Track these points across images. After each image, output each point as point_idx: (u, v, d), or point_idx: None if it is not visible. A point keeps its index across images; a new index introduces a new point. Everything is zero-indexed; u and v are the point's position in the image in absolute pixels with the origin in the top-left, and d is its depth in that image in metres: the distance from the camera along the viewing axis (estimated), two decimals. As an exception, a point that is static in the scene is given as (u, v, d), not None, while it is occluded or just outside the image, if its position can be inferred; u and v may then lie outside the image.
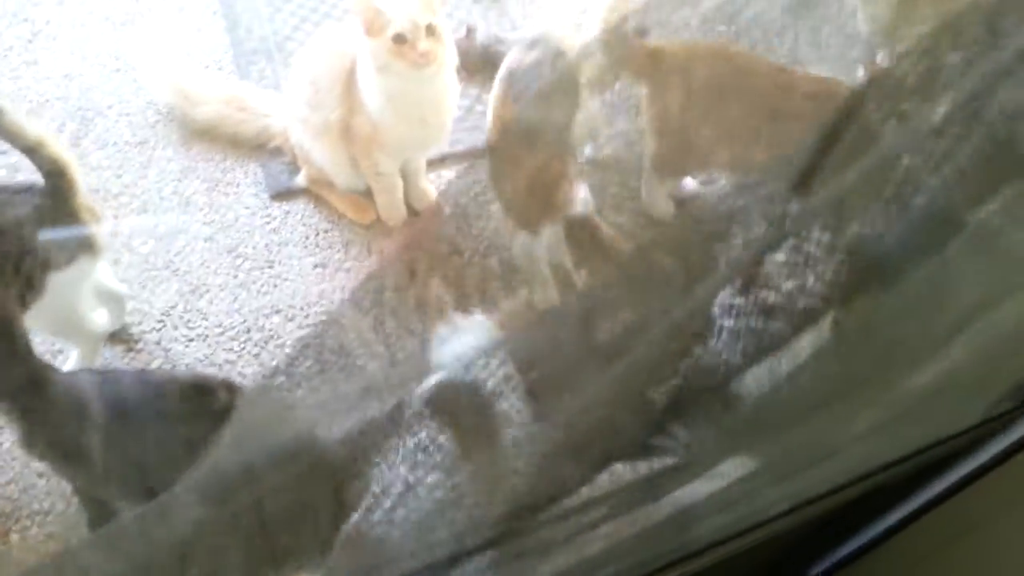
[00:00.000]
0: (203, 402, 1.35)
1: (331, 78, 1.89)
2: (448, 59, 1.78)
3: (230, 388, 1.37)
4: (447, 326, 1.02)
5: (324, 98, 1.90)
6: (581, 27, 1.82)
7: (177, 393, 1.39)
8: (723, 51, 1.73)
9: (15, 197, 1.49)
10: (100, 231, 1.58)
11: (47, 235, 1.47)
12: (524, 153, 1.42)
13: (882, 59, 2.06)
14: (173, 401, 1.37)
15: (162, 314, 1.86)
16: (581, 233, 1.81)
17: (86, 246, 1.57)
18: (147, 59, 2.19)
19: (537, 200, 1.56)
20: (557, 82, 1.55)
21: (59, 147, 1.50)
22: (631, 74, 1.81)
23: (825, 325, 0.96)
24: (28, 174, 1.55)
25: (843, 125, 1.35)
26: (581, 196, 1.80)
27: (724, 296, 0.93)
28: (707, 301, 0.97)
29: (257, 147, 2.13)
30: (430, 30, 1.68)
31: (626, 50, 1.73)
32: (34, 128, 1.48)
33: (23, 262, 1.45)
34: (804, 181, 1.20)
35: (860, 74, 1.63)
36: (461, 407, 1.00)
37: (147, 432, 1.34)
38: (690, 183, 2.07)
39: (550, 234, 1.65)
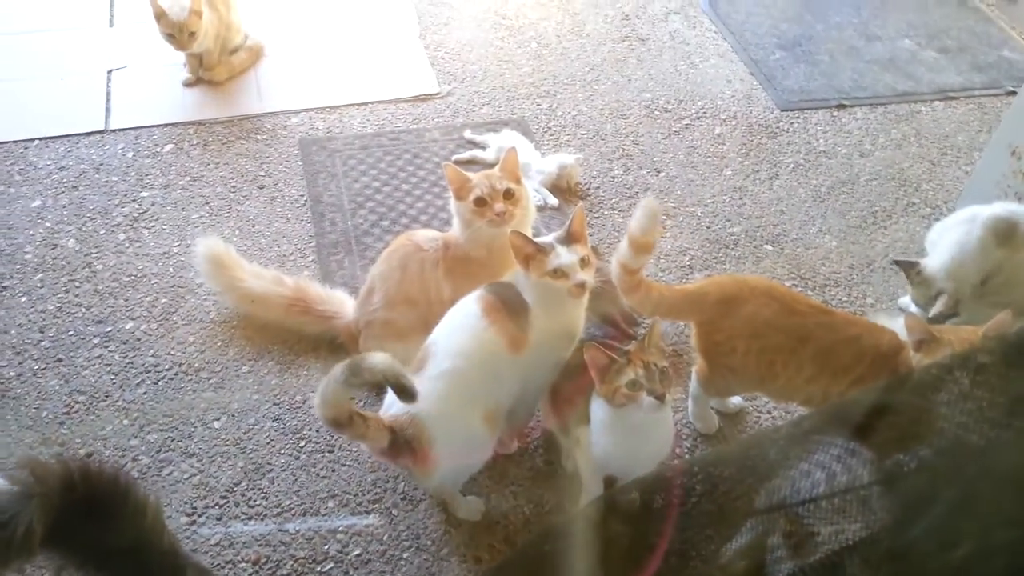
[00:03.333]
0: None
1: (407, 279, 2.07)
2: (526, 216, 2.02)
3: None
4: None
5: (401, 297, 2.07)
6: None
7: None
8: (769, 289, 1.86)
9: None
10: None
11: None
12: None
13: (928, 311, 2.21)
14: None
15: (226, 490, 1.96)
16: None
17: None
18: (210, 266, 2.27)
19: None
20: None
21: None
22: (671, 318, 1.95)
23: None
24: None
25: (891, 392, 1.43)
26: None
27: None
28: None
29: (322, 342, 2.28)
30: (508, 194, 1.96)
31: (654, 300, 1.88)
32: None
33: None
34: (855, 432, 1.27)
35: (901, 324, 1.74)
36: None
37: None
38: (736, 399, 2.17)
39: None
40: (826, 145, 3.06)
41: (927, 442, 1.13)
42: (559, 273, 1.75)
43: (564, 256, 1.75)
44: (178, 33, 2.98)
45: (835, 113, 3.22)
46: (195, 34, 3.00)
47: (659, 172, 2.91)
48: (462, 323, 1.80)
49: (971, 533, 0.96)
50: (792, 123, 3.15)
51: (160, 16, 2.97)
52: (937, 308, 2.15)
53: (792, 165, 2.97)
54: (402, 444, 1.70)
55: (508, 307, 1.79)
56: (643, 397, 1.60)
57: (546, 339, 1.82)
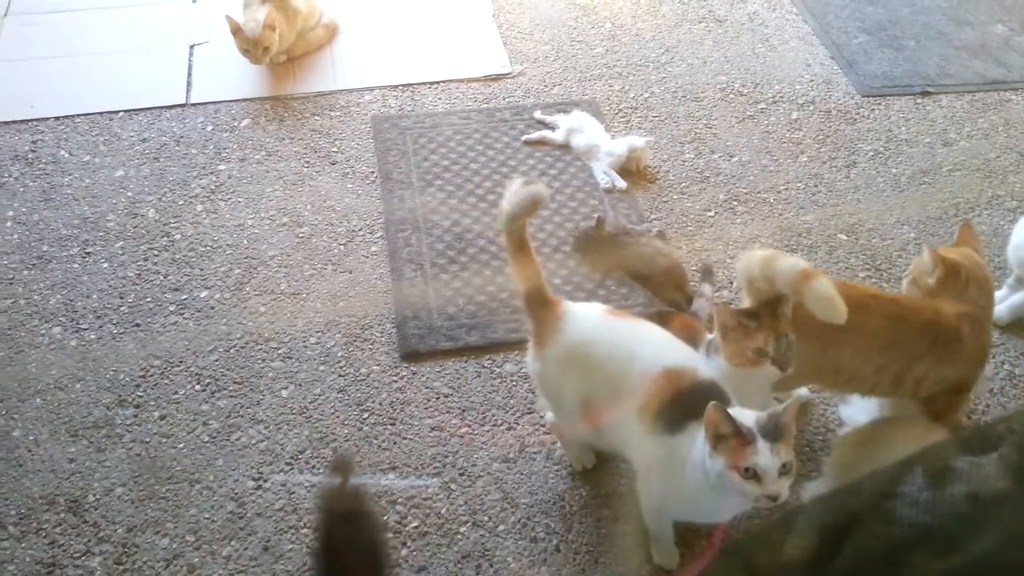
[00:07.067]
0: None
1: None
2: None
3: None
4: None
5: None
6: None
7: None
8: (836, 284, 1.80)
9: None
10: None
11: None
12: None
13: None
14: None
15: (291, 457, 2.01)
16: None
17: None
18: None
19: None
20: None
21: None
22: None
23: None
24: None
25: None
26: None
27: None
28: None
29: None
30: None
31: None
32: None
33: None
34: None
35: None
36: None
37: None
38: (803, 391, 2.12)
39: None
40: (908, 133, 2.96)
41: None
42: (750, 474, 1.42)
43: (764, 458, 1.41)
44: (253, 48, 3.05)
45: (919, 100, 3.10)
46: (269, 48, 3.07)
47: (732, 157, 2.86)
48: (644, 363, 1.63)
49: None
50: (873, 110, 3.06)
51: (236, 32, 3.05)
52: None
53: (871, 153, 2.88)
54: (537, 309, 1.75)
55: (684, 401, 1.56)
56: (767, 364, 1.65)
57: (664, 476, 1.63)
